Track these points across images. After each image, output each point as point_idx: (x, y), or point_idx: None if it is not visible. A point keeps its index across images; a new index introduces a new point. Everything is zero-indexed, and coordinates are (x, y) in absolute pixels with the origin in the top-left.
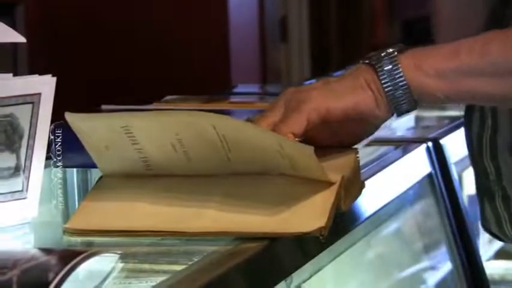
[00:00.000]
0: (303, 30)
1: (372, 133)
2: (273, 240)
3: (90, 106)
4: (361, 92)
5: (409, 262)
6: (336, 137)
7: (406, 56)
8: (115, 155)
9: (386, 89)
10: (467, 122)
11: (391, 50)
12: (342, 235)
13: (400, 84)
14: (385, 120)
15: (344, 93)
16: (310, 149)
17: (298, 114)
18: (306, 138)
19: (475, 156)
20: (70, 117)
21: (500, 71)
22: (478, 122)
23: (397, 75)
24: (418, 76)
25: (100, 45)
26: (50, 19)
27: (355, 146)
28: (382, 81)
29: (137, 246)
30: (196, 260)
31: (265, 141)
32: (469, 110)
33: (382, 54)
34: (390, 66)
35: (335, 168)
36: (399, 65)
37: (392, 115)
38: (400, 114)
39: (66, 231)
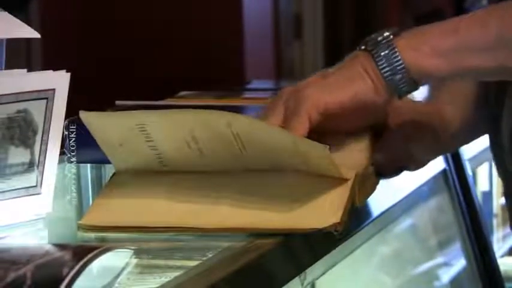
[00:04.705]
0: (317, 26)
1: (378, 117)
2: (287, 236)
3: (105, 101)
4: (359, 81)
5: (423, 258)
6: (342, 129)
7: (402, 37)
8: (129, 152)
9: (384, 75)
10: (493, 133)
11: (387, 33)
12: (356, 231)
13: (398, 68)
14: (388, 103)
15: (341, 85)
16: (325, 148)
17: (299, 117)
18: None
19: (507, 162)
20: (84, 115)
21: (500, 44)
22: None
23: (395, 59)
24: (415, 57)
25: (115, 41)
26: (64, 15)
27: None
28: (380, 67)
29: (151, 242)
30: (210, 255)
31: (279, 140)
32: (497, 115)
33: (379, 39)
34: (387, 51)
35: (349, 164)
36: (396, 48)
37: (394, 97)
38: (402, 96)
39: (80, 227)
